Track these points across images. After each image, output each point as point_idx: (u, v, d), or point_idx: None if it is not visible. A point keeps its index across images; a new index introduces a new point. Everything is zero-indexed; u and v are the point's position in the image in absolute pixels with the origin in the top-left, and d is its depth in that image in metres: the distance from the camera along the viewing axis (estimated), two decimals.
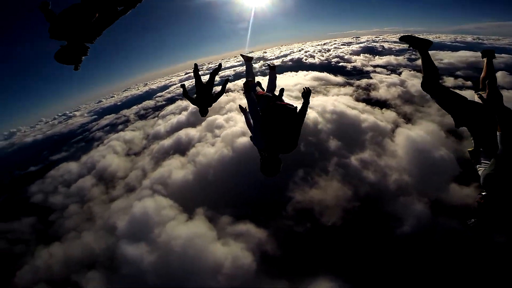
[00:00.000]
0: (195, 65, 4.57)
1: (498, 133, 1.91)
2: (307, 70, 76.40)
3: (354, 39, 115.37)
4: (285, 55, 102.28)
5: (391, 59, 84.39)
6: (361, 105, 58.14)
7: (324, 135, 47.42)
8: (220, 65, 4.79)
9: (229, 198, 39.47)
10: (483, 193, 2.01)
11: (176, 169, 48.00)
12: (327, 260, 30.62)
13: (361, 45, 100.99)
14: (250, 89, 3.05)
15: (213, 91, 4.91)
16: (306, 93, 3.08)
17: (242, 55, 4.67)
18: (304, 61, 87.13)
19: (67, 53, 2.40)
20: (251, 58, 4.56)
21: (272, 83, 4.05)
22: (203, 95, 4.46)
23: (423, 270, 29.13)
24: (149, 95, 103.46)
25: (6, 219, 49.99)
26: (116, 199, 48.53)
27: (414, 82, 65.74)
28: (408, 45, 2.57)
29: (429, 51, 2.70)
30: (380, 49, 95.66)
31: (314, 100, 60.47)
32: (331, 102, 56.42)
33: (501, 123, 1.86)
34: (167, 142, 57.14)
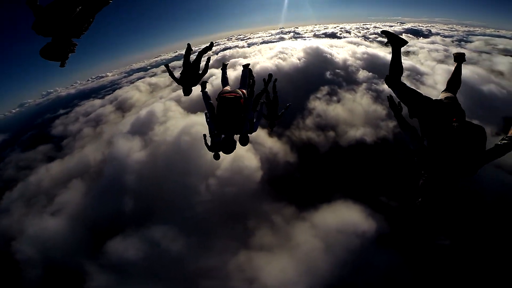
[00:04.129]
0: (188, 45, 4.88)
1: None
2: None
3: (399, 23, 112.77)
4: (318, 30, 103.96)
5: (437, 39, 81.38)
6: None
7: (352, 68, 46.51)
8: (211, 43, 5.15)
9: None
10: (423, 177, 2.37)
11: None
12: (347, 180, 28.00)
13: (405, 26, 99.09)
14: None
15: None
16: (251, 85, 3.69)
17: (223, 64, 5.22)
18: (338, 35, 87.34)
19: (53, 50, 2.38)
20: (226, 64, 5.18)
21: (243, 79, 4.57)
22: (188, 75, 4.72)
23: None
24: (178, 58, 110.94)
25: (25, 149, 55.35)
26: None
27: (461, 50, 62.32)
28: (386, 39, 2.96)
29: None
30: (426, 33, 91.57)
31: (344, 46, 59.72)
32: (363, 47, 55.05)
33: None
34: None
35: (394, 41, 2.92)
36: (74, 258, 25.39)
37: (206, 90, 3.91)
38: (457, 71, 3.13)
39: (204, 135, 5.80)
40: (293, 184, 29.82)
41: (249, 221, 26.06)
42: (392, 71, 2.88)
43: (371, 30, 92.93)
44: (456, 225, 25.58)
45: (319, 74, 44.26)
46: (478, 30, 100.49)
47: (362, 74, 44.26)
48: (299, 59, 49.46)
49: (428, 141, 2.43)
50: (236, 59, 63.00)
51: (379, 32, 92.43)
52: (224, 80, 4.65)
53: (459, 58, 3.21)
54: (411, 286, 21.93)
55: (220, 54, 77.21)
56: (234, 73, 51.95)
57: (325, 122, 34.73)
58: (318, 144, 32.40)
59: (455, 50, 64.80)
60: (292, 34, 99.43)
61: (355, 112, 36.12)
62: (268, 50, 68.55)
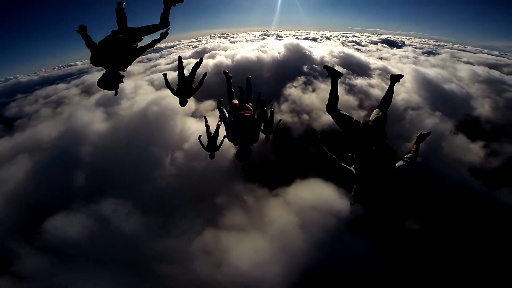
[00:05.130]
0: (179, 57, 5.22)
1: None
2: None
3: (376, 34, 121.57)
4: (300, 35, 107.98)
5: (409, 49, 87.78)
6: (372, 59, 59.01)
7: (329, 64, 48.20)
8: (201, 59, 5.48)
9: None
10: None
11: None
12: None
13: (381, 37, 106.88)
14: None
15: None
16: (261, 103, 4.32)
17: (224, 72, 5.65)
18: (319, 40, 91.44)
19: (108, 81, 3.01)
20: (230, 77, 5.51)
21: (248, 94, 5.16)
22: (184, 87, 5.05)
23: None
24: (155, 51, 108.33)
25: None
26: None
27: (429, 58, 68.14)
28: (327, 73, 3.48)
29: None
30: (400, 44, 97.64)
31: (323, 45, 62.45)
32: (340, 47, 57.93)
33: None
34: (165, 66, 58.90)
35: (333, 74, 3.41)
36: (4, 238, 22.35)
37: (222, 107, 4.34)
38: (390, 90, 3.52)
39: (200, 137, 6.80)
40: (267, 166, 29.47)
41: (218, 199, 24.99)
42: (330, 99, 3.30)
43: (350, 38, 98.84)
44: (424, 212, 27.00)
45: (296, 67, 45.83)
46: (447, 45, 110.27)
47: (338, 69, 46.21)
48: (279, 53, 51.22)
49: (355, 159, 3.00)
50: (217, 51, 63.28)
51: (356, 41, 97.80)
52: (230, 92, 5.04)
53: (395, 78, 3.57)
54: (386, 272, 22.14)
55: (201, 47, 76.97)
56: (212, 61, 52.36)
57: (300, 108, 35.41)
58: (293, 127, 32.77)
59: (423, 58, 70.23)
60: (275, 36, 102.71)
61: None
62: (250, 45, 69.78)
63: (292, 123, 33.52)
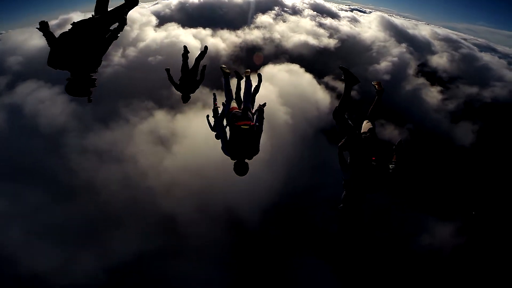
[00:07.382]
0: (185, 47, 4.85)
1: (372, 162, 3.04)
2: None
3: (347, 5, 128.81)
4: None
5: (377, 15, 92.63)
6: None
7: (299, 8, 50.18)
8: (206, 48, 5.10)
9: None
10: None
11: None
12: None
13: (352, 7, 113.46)
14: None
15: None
16: (260, 110, 3.81)
17: (221, 68, 4.73)
18: None
19: (75, 87, 2.50)
20: (228, 73, 4.52)
21: (247, 92, 4.31)
22: (188, 81, 4.82)
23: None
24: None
25: None
26: None
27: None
28: (342, 75, 3.30)
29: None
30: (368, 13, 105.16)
31: None
32: None
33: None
34: None
35: (349, 78, 3.23)
36: None
37: (219, 115, 3.91)
38: (378, 102, 3.55)
39: (208, 116, 6.06)
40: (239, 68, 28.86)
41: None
42: (341, 106, 3.22)
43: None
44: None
45: (268, 7, 45.98)
46: (412, 21, 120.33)
47: (308, 12, 47.73)
48: None
49: (353, 170, 3.05)
50: None
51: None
52: (229, 92, 4.37)
53: (380, 93, 3.55)
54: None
55: None
56: (155, 7, 49.59)
57: (270, 35, 35.75)
58: (263, 46, 33.05)
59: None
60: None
61: (299, 29, 37.87)
62: None
63: (264, 39, 33.62)
